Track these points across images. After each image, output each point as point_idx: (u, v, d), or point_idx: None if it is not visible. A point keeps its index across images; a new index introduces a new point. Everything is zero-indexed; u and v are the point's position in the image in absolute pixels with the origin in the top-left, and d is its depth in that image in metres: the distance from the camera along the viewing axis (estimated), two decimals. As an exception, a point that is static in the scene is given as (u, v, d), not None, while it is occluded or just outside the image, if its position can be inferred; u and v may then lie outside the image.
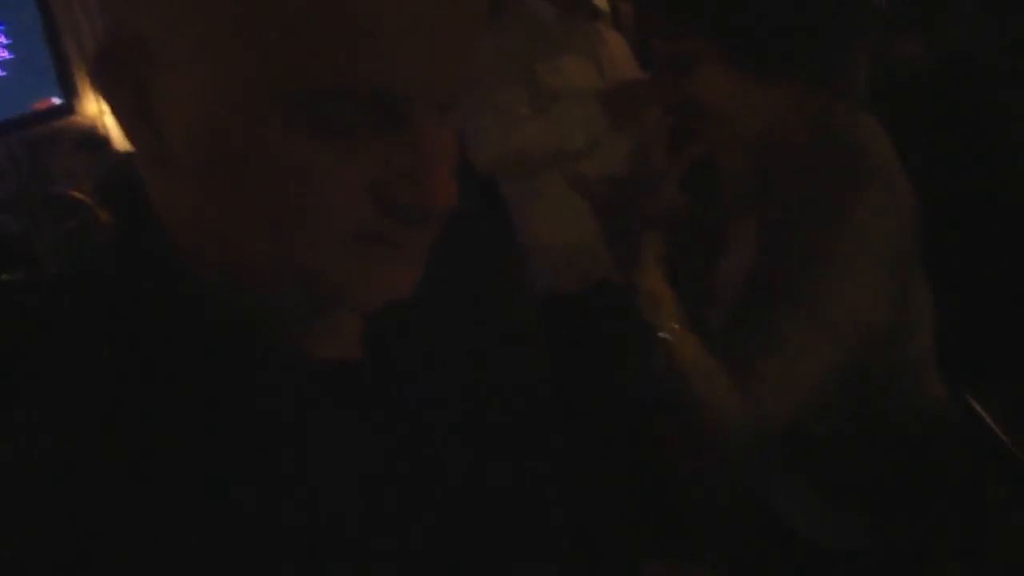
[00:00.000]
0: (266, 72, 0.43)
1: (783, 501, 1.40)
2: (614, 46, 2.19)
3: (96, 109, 3.50)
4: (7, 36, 3.41)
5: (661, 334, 1.10)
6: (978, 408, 1.25)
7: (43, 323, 0.53)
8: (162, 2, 0.45)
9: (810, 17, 1.12)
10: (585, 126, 1.93)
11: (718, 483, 1.40)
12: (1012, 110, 1.76)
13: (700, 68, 1.14)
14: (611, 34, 2.22)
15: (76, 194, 3.05)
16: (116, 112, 0.48)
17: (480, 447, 0.66)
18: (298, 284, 0.49)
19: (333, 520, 0.54)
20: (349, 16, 0.42)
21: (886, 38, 2.24)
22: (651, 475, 1.31)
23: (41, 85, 3.45)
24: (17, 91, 3.42)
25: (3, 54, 3.42)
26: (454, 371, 0.66)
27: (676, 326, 1.11)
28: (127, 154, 0.55)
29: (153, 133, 0.47)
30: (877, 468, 1.30)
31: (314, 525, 0.53)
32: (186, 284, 0.52)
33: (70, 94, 3.49)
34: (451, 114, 0.50)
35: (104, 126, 3.51)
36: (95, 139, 3.47)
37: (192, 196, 0.49)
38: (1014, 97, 1.77)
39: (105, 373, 0.50)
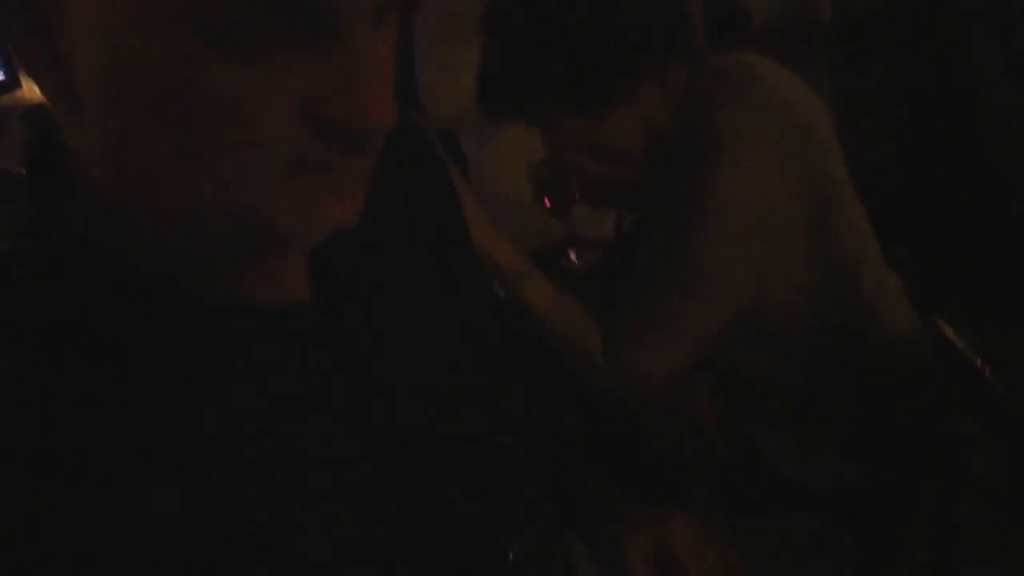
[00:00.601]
0: None
1: (761, 442, 1.39)
2: None
3: (43, 84, 3.42)
4: (-56, 10, 3.31)
5: (505, 281, 1.20)
6: (951, 335, 1.23)
7: None
8: None
9: (625, 44, 1.13)
10: None
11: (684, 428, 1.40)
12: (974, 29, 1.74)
13: (554, 120, 1.21)
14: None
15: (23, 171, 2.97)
16: (20, 55, 0.44)
17: (434, 386, 0.64)
18: (232, 224, 0.45)
19: (290, 464, 0.52)
20: None
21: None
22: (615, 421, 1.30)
23: (-18, 60, 3.35)
24: (-43, 67, 3.32)
25: (-59, 29, 3.32)
26: (401, 306, 0.64)
27: (520, 272, 1.20)
28: (38, 108, 0.51)
29: (61, 73, 0.43)
30: (851, 406, 1.29)
31: (269, 470, 0.51)
32: (109, 242, 0.49)
33: (14, 68, 3.39)
34: (387, 27, 0.45)
35: (52, 102, 3.43)
36: (43, 115, 3.39)
37: (111, 141, 0.45)
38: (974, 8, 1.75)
39: (37, 346, 0.47)
